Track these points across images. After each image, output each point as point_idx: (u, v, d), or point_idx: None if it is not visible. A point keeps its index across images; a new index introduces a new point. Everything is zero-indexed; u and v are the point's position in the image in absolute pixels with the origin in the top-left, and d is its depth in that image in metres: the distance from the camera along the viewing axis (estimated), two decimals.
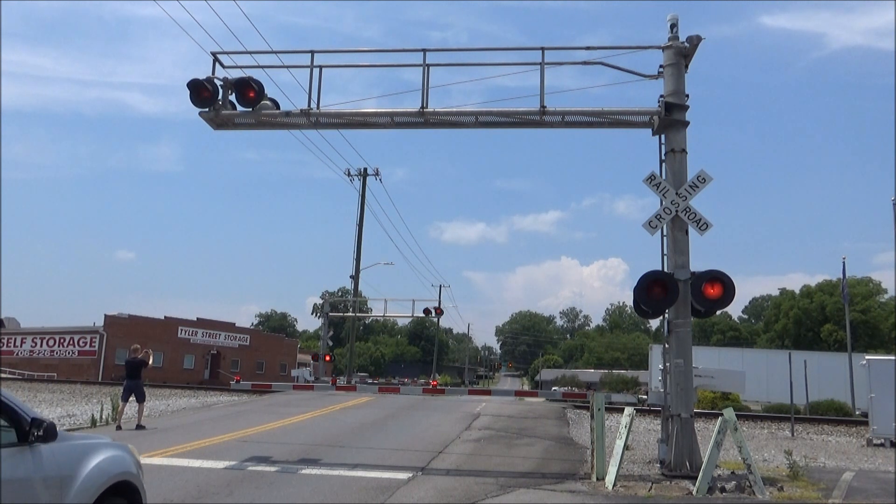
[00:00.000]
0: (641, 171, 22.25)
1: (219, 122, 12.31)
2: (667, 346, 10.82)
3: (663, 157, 11.22)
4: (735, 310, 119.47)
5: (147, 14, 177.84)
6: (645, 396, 17.02)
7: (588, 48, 11.71)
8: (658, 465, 10.77)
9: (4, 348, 49.90)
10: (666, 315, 10.78)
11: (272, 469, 10.06)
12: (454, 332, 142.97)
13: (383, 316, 51.85)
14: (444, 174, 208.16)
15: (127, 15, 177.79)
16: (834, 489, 9.69)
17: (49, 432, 4.61)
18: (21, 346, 50.38)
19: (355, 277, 41.80)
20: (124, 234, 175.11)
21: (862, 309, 66.81)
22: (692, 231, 10.78)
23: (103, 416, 16.75)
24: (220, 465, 10.23)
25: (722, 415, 9.43)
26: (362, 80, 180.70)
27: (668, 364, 10.64)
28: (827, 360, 35.59)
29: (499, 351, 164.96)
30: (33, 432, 4.53)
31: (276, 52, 13.25)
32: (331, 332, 47.12)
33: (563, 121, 11.74)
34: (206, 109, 11.91)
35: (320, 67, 11.94)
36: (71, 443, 4.97)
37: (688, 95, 11.13)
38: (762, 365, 34.38)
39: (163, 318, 51.98)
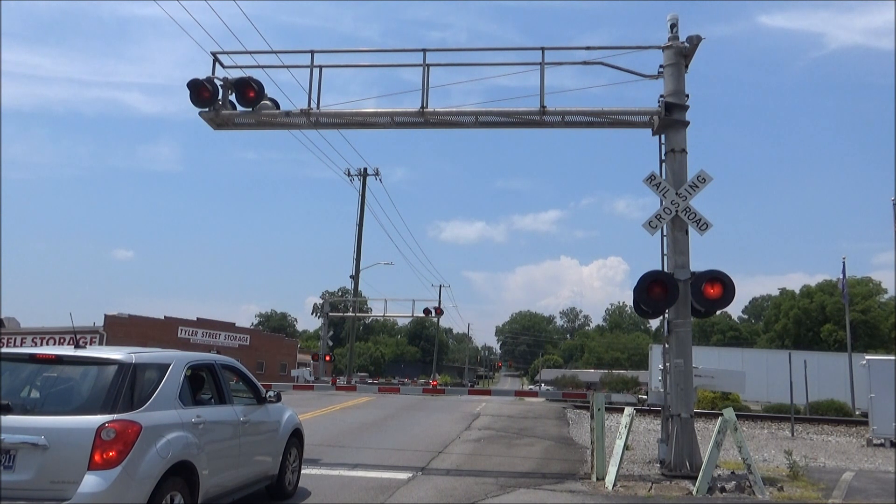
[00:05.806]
0: (641, 171, 22.26)
1: (219, 122, 12.31)
2: (667, 346, 10.82)
3: (663, 157, 11.21)
4: (735, 310, 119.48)
5: (147, 14, 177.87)
6: (645, 396, 17.03)
7: (588, 48, 11.70)
8: (658, 465, 10.77)
9: (4, 349, 49.84)
10: (666, 315, 10.78)
11: None
12: (454, 332, 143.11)
13: (383, 316, 51.89)
14: (444, 174, 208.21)
15: (126, 15, 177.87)
16: (834, 489, 9.69)
17: (278, 398, 8.05)
18: (21, 346, 50.30)
19: (355, 277, 41.84)
20: (124, 233, 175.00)
21: (862, 309, 66.76)
22: (692, 231, 10.78)
23: None
24: None
25: (722, 415, 9.43)
26: (362, 80, 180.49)
27: (668, 364, 10.64)
28: (827, 360, 35.57)
29: (499, 351, 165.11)
30: (268, 397, 7.80)
31: (276, 52, 13.25)
32: (331, 332, 47.17)
33: (563, 121, 11.74)
34: (206, 109, 11.91)
35: (320, 67, 11.95)
36: (277, 404, 8.04)
37: (688, 95, 11.13)
38: (762, 365, 34.35)
39: (163, 317, 51.91)
